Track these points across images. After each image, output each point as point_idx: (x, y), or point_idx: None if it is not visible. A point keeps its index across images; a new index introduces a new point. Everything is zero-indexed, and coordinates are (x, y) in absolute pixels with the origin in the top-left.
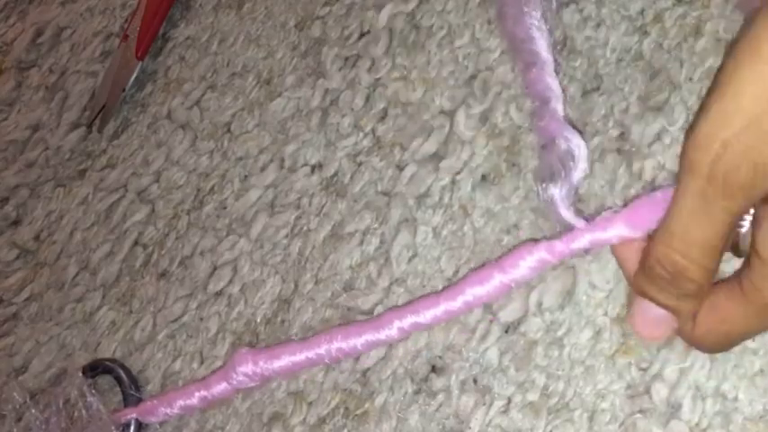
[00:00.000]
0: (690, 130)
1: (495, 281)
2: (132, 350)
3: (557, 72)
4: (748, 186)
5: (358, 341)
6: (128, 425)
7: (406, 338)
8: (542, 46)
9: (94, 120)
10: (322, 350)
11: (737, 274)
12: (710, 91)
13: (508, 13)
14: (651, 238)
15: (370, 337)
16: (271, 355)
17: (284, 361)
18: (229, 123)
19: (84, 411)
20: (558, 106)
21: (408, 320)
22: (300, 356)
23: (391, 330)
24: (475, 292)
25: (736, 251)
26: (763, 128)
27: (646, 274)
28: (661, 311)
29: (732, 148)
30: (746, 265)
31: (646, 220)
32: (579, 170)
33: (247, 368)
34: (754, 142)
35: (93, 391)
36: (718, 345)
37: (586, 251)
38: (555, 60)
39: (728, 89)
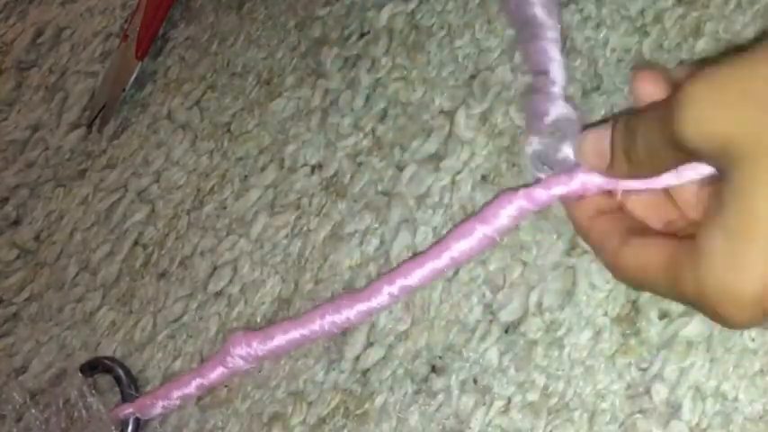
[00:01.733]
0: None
1: (479, 233)
2: (132, 350)
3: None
4: None
5: (350, 312)
6: (126, 423)
7: (395, 303)
8: (547, 20)
9: (95, 120)
10: (315, 326)
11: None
12: None
13: None
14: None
15: (361, 306)
16: (265, 335)
17: (279, 340)
18: (229, 123)
19: (83, 411)
20: (558, 75)
21: (398, 285)
22: (295, 334)
23: (382, 297)
24: (460, 246)
25: None
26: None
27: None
28: (605, 146)
29: None
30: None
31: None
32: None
33: (242, 350)
34: None
35: (93, 391)
36: (627, 281)
37: (566, 198)
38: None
39: None
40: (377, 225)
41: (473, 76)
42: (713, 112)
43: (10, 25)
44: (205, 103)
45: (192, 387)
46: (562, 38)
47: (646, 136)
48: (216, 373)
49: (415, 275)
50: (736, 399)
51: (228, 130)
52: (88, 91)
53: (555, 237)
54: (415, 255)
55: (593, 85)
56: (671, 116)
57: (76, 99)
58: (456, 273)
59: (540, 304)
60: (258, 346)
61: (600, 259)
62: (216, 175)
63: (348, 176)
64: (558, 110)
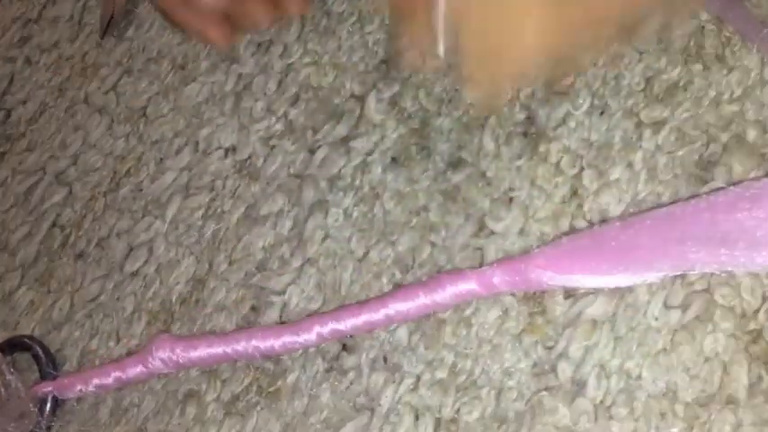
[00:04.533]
0: None
1: (419, 301)
2: (50, 329)
3: None
4: None
5: (276, 342)
6: (45, 401)
7: (321, 344)
8: None
9: (105, 32)
10: (239, 346)
11: None
12: None
13: None
14: None
15: (288, 339)
16: (189, 344)
17: (201, 352)
18: (145, 108)
19: (2, 389)
20: None
21: (329, 327)
22: (218, 350)
23: (310, 335)
24: (397, 307)
25: None
26: None
27: None
28: None
29: None
30: None
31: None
32: None
33: (164, 354)
34: None
35: (12, 369)
36: None
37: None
38: None
39: None
40: (290, 207)
41: (383, 62)
42: None
43: None
44: (121, 88)
45: (110, 378)
46: None
47: None
48: (135, 371)
49: (348, 323)
50: (639, 377)
51: (144, 114)
52: (7, 76)
53: (463, 219)
54: (356, 303)
55: None
56: None
57: None
58: (366, 253)
59: None
60: (180, 354)
61: None
62: (132, 157)
63: (261, 159)
64: None
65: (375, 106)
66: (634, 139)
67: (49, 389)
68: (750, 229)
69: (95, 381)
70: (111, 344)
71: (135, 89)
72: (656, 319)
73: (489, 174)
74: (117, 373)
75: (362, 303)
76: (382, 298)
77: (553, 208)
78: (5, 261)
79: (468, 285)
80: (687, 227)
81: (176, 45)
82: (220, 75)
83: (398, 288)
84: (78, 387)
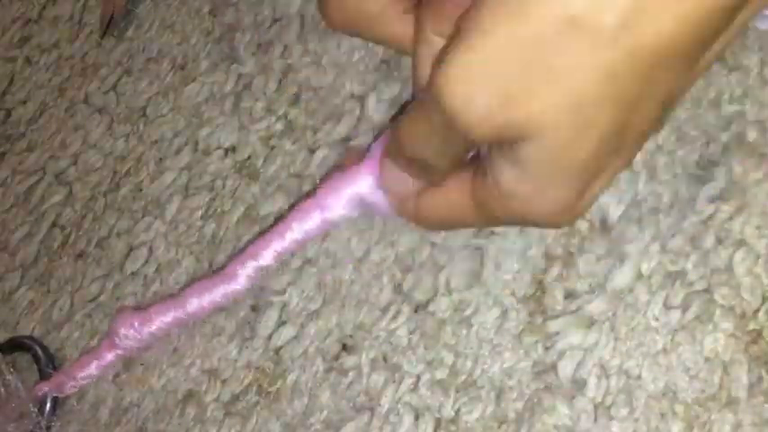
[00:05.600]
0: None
1: (317, 219)
2: (50, 329)
3: None
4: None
5: (215, 296)
6: (44, 401)
7: (256, 282)
8: None
9: (106, 32)
10: (189, 308)
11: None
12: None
13: None
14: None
15: (223, 290)
16: (145, 319)
17: (158, 323)
18: (145, 107)
19: (2, 389)
20: None
21: (250, 266)
22: (170, 317)
23: (240, 279)
24: (302, 228)
25: None
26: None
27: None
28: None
29: None
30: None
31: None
32: None
33: (128, 331)
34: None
35: (12, 369)
36: (435, 226)
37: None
38: None
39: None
40: (289, 207)
41: (384, 62)
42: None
43: None
44: (121, 88)
45: (92, 368)
46: None
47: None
48: (110, 354)
49: (265, 256)
50: (639, 377)
51: (144, 114)
52: (7, 76)
53: None
54: (261, 234)
55: None
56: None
57: None
58: (366, 253)
59: (448, 284)
60: (139, 328)
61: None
62: (132, 157)
63: (261, 159)
64: None
65: (375, 106)
66: None
67: (47, 389)
68: None
69: (80, 373)
70: None
71: (135, 89)
72: (656, 319)
73: None
74: (95, 362)
75: (269, 233)
76: (285, 222)
77: None
78: (5, 261)
79: (350, 193)
80: None
81: (176, 45)
82: (220, 75)
83: (296, 209)
84: (69, 384)
